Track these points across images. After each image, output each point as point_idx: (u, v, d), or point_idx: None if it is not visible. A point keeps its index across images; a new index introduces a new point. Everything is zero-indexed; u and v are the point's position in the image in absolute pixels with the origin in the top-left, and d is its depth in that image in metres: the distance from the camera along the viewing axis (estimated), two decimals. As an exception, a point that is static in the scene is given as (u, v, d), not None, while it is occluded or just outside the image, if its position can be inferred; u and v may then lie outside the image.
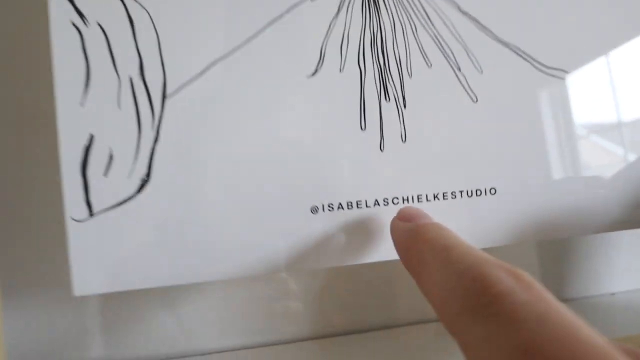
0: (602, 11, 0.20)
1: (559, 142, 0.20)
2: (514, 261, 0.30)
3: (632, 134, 0.21)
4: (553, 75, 0.20)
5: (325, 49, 0.18)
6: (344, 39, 0.18)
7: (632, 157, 0.21)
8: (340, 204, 0.18)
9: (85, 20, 0.17)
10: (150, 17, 0.17)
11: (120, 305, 0.23)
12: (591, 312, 0.31)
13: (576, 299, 0.32)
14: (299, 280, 0.25)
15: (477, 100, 0.19)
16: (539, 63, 0.19)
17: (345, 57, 0.18)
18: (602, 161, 0.21)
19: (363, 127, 0.18)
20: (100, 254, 0.17)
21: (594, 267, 0.33)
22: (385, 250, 0.18)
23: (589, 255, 0.32)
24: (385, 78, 0.18)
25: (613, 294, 0.33)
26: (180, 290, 0.24)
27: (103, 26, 0.17)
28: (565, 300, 0.32)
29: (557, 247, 0.31)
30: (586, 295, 0.33)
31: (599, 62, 0.20)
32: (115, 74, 0.17)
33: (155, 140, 0.17)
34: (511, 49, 0.19)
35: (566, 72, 0.20)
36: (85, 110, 0.17)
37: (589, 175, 0.21)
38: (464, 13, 0.19)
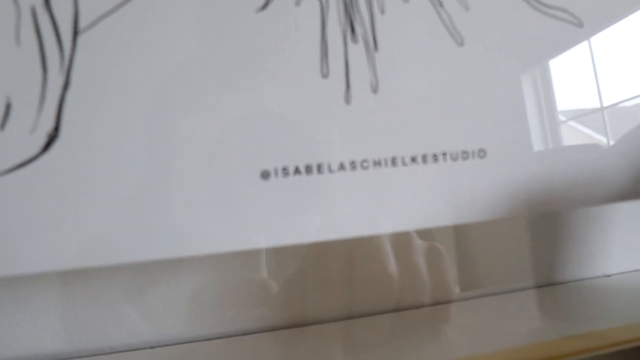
0: None
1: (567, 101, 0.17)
2: (505, 242, 0.27)
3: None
4: (554, 16, 0.16)
5: (277, -25, 0.14)
6: (301, -36, 0.15)
7: (634, 123, 0.18)
8: (297, 167, 0.15)
9: None
10: None
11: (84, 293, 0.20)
12: (587, 294, 0.29)
13: (571, 281, 0.30)
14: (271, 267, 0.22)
15: (462, 43, 0.16)
16: (538, 1, 0.16)
17: (303, -14, 0.15)
18: (602, 129, 0.18)
19: (325, 73, 0.15)
20: (3, 222, 0.13)
21: (589, 249, 0.30)
22: (350, 226, 0.15)
23: (583, 237, 0.30)
24: (351, 14, 0.15)
25: (609, 275, 0.31)
26: (147, 277, 0.21)
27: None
28: (559, 282, 0.29)
29: (549, 227, 0.28)
30: (581, 277, 0.30)
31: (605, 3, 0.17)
32: (12, 2, 0.13)
33: (65, 86, 0.14)
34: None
35: (569, 12, 0.17)
36: (-27, 48, 0.13)
37: (586, 143, 0.18)
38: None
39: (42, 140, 0.13)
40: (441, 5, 0.15)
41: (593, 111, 0.18)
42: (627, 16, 0.18)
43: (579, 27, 0.17)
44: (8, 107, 0.13)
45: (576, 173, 0.17)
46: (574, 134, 0.18)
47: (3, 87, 0.13)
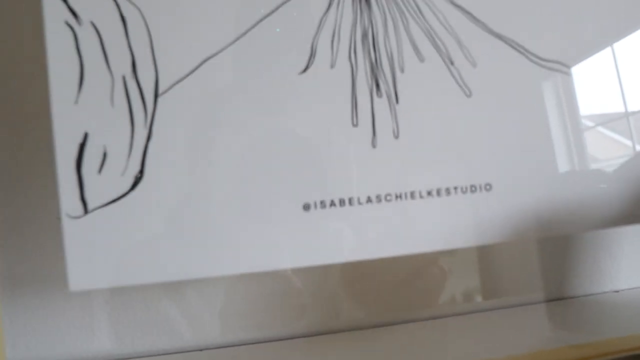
0: (599, 3, 0.19)
1: (556, 137, 0.19)
2: (515, 259, 0.30)
3: (636, 126, 0.21)
4: (550, 68, 0.19)
5: (316, 45, 0.18)
6: (335, 35, 0.18)
7: (632, 151, 0.20)
8: (332, 200, 0.18)
9: (79, 20, 0.17)
10: (143, 16, 0.17)
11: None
12: (595, 309, 0.31)
13: (580, 296, 0.32)
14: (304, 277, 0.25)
15: (470, 95, 0.19)
16: (535, 56, 0.19)
17: (337, 53, 0.18)
18: (603, 155, 0.21)
19: (355, 123, 0.18)
20: (96, 251, 0.17)
21: (598, 265, 0.32)
22: (379, 248, 0.18)
23: (592, 253, 0.32)
24: (376, 73, 0.18)
25: (617, 291, 0.33)
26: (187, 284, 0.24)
27: (96, 25, 0.17)
28: (568, 297, 0.31)
29: (559, 244, 0.30)
30: (590, 292, 0.32)
31: (599, 55, 0.20)
32: (108, 72, 0.17)
33: (148, 137, 0.17)
34: (505, 41, 0.19)
35: (564, 64, 0.19)
36: (80, 109, 0.17)
37: (589, 169, 0.20)
38: (457, 6, 0.19)
39: (130, 180, 0.17)
40: (452, 63, 0.18)
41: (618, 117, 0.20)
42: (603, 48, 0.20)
43: (568, 75, 0.20)
44: (104, 155, 0.17)
45: (580, 199, 0.19)
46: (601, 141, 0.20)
47: (100, 140, 0.17)
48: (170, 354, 0.24)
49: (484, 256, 0.28)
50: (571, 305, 0.30)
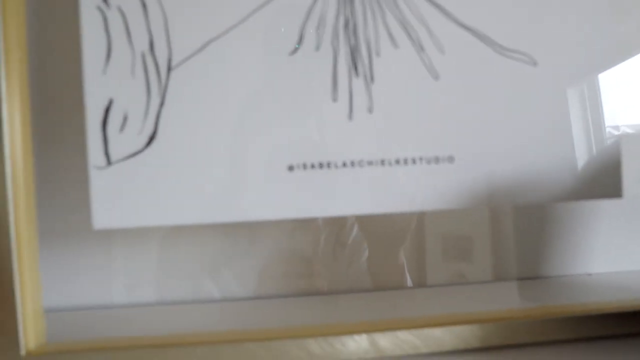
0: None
1: (515, 115, 0.22)
2: (492, 239, 0.32)
3: (588, 102, 0.23)
4: (511, 57, 0.22)
5: (303, 31, 0.21)
6: (320, 23, 0.21)
7: (583, 131, 0.23)
8: (312, 163, 0.21)
9: (108, 5, 0.21)
10: (160, 2, 0.21)
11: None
12: (567, 290, 0.33)
13: (553, 277, 0.34)
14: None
15: (438, 78, 0.21)
16: (498, 45, 0.22)
17: (321, 38, 0.21)
18: (555, 134, 0.23)
19: (335, 98, 0.21)
20: (116, 196, 0.21)
21: (572, 248, 0.34)
22: (348, 206, 0.21)
23: (567, 236, 0.34)
24: (355, 57, 0.21)
25: (590, 274, 0.35)
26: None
27: (122, 9, 0.21)
28: (542, 277, 0.33)
29: (535, 226, 0.33)
30: (563, 274, 0.34)
31: (559, 44, 0.22)
32: (130, 49, 0.21)
33: (161, 104, 0.21)
34: (471, 32, 0.21)
35: (525, 53, 0.22)
36: (106, 79, 0.21)
37: (541, 146, 0.23)
38: (429, 0, 0.21)
39: (145, 139, 0.21)
40: (422, 49, 0.21)
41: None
42: (579, 52, 0.23)
43: (533, 66, 0.22)
44: (125, 118, 0.21)
45: (538, 169, 0.22)
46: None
47: (122, 105, 0.21)
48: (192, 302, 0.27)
49: (464, 237, 0.30)
50: (544, 284, 0.33)
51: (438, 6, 0.21)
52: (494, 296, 0.30)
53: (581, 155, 0.23)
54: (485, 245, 0.31)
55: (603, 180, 0.23)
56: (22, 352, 0.20)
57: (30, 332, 0.21)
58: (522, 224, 0.32)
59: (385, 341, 0.21)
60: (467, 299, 0.28)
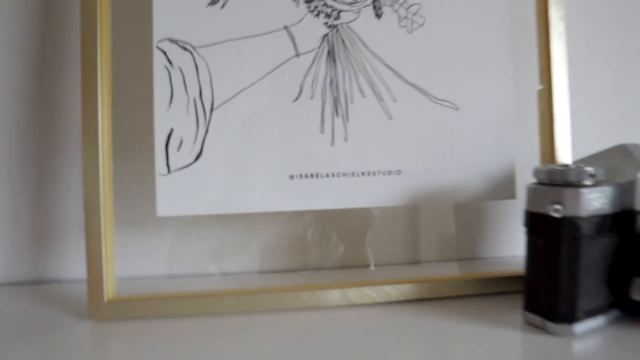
0: (474, 61, 0.33)
1: (443, 144, 0.33)
2: (436, 225, 0.43)
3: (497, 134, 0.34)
4: (441, 104, 0.32)
5: (303, 85, 0.31)
6: (314, 80, 0.31)
7: (489, 157, 0.34)
8: (307, 174, 0.31)
9: (172, 65, 0.31)
10: (207, 64, 0.31)
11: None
12: (492, 267, 0.43)
13: (487, 257, 0.45)
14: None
15: (392, 118, 0.32)
16: (432, 96, 0.32)
17: (314, 90, 0.31)
18: (474, 156, 0.34)
19: (322, 131, 0.31)
20: (174, 193, 0.31)
21: (501, 234, 0.45)
22: (330, 202, 0.32)
23: (497, 224, 0.44)
24: (337, 103, 0.31)
25: (514, 256, 0.46)
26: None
27: (181, 68, 0.31)
28: (477, 258, 0.44)
29: (471, 216, 0.43)
30: (494, 255, 0.45)
31: (474, 95, 0.33)
32: (186, 95, 0.31)
33: (206, 133, 0.31)
34: (414, 87, 0.32)
35: (450, 102, 0.33)
36: (169, 115, 0.31)
37: (462, 163, 0.33)
38: (386, 65, 0.32)
39: (194, 156, 0.31)
40: (382, 99, 0.32)
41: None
42: (489, 100, 0.33)
43: (456, 110, 0.33)
44: (181, 142, 0.31)
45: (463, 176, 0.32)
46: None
47: (179, 133, 0.31)
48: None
49: (416, 227, 0.41)
50: (478, 263, 0.43)
51: (393, 70, 0.32)
52: (439, 271, 0.41)
53: (491, 168, 0.33)
54: (432, 234, 0.42)
55: (506, 185, 0.34)
56: (105, 299, 0.30)
57: (110, 287, 0.31)
58: (462, 217, 0.43)
59: (353, 294, 0.31)
60: (414, 272, 0.39)
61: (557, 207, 0.25)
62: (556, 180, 0.26)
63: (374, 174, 0.32)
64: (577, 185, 0.25)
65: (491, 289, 0.33)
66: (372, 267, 0.38)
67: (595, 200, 0.25)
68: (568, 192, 0.25)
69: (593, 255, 0.26)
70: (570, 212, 0.25)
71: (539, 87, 0.36)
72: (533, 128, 0.36)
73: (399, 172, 0.32)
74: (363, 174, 0.32)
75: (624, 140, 0.30)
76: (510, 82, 0.34)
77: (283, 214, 0.37)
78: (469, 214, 0.43)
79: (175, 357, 0.25)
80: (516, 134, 0.34)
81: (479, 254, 0.45)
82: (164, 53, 0.31)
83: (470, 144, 0.33)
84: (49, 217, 0.38)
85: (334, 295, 0.31)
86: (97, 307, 0.30)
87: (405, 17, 0.33)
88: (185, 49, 0.31)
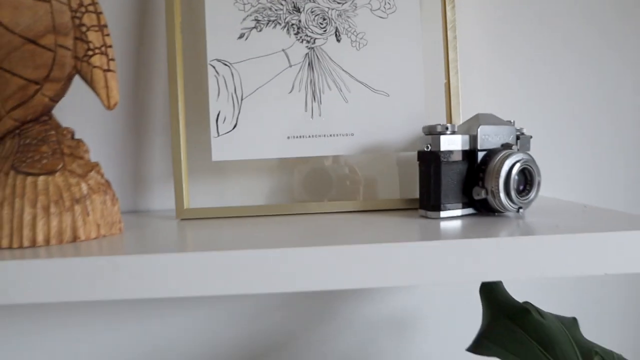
0: (408, 60, 0.54)
1: (380, 117, 0.54)
2: (382, 173, 0.67)
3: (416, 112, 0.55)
4: (378, 93, 0.54)
5: (294, 84, 0.53)
6: (302, 80, 0.53)
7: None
8: (296, 136, 0.54)
9: (218, 73, 0.53)
10: (239, 73, 0.53)
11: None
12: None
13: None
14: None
15: (347, 102, 0.54)
16: (372, 88, 0.54)
17: (300, 86, 0.53)
18: (399, 124, 0.55)
19: (305, 110, 0.53)
20: (221, 147, 0.53)
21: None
22: (313, 152, 0.54)
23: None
24: (315, 94, 0.53)
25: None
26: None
27: (224, 76, 0.53)
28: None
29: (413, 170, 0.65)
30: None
31: (398, 87, 0.55)
32: (226, 91, 0.53)
33: (239, 112, 0.53)
34: (360, 82, 0.54)
35: (385, 92, 0.54)
36: (218, 103, 0.53)
37: (391, 128, 0.55)
38: (344, 70, 0.54)
39: (232, 126, 0.53)
40: (341, 91, 0.54)
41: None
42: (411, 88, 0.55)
43: (387, 96, 0.54)
44: (224, 118, 0.53)
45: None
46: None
47: (223, 113, 0.53)
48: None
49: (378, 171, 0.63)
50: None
51: (347, 73, 0.54)
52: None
53: (409, 131, 0.55)
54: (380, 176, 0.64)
55: (418, 141, 0.55)
56: (185, 207, 0.53)
57: (186, 200, 0.54)
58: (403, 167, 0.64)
59: (330, 207, 0.54)
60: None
61: (428, 146, 0.47)
62: (430, 132, 0.47)
63: (337, 135, 0.54)
64: (438, 133, 0.47)
65: (410, 205, 0.55)
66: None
67: (449, 143, 0.47)
68: (432, 137, 0.47)
69: (450, 173, 0.47)
70: (434, 149, 0.47)
71: (444, 81, 0.57)
72: (441, 105, 0.57)
73: (352, 134, 0.54)
74: (331, 135, 0.54)
75: (497, 113, 0.51)
76: (422, 78, 0.55)
77: (284, 160, 0.60)
78: (403, 165, 0.64)
79: (226, 235, 0.48)
80: (424, 109, 0.56)
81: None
82: (214, 67, 0.53)
83: (398, 118, 0.55)
84: (145, 169, 0.62)
85: (314, 207, 0.54)
86: (180, 211, 0.53)
87: (355, 40, 0.54)
88: (225, 64, 0.53)
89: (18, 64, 0.43)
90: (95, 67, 0.45)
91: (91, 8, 0.45)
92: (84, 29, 0.45)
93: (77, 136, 0.49)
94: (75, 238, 0.43)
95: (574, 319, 0.53)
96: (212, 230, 0.48)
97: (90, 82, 0.46)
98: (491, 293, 0.51)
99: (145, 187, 0.63)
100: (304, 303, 0.65)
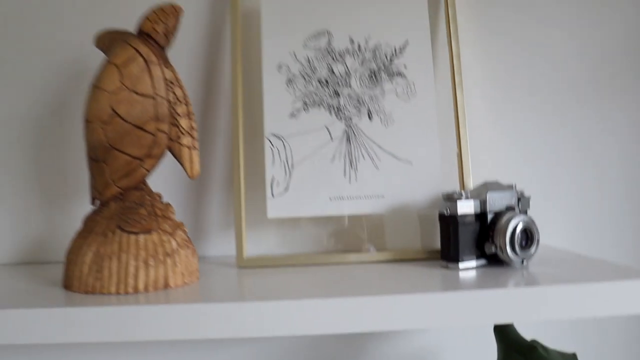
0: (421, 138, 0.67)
1: (408, 181, 0.66)
2: (406, 227, 0.77)
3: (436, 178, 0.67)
4: (402, 161, 0.66)
5: (335, 154, 0.65)
6: (341, 151, 0.65)
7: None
8: (336, 197, 0.65)
9: (273, 145, 0.65)
10: (290, 145, 0.65)
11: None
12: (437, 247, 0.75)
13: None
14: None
15: (378, 168, 0.66)
16: (398, 158, 0.66)
17: (340, 157, 0.65)
18: (421, 189, 0.67)
19: (344, 176, 0.65)
20: (276, 206, 0.65)
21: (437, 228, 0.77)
22: (349, 210, 0.65)
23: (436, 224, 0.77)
24: (351, 163, 0.65)
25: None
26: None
27: (277, 147, 0.65)
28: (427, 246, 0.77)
29: (422, 219, 0.76)
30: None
31: (419, 157, 0.67)
32: (279, 160, 0.65)
33: (290, 178, 0.65)
34: (388, 152, 0.66)
35: (407, 160, 0.66)
36: (273, 169, 0.65)
37: (414, 191, 0.66)
38: (374, 143, 0.66)
39: (284, 189, 0.65)
40: (373, 160, 0.66)
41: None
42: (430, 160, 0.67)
43: (410, 165, 0.66)
44: (278, 182, 0.65)
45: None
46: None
47: (277, 178, 0.65)
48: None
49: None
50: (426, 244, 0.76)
51: (378, 145, 0.66)
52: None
53: (430, 194, 0.66)
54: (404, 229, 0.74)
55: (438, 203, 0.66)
56: (244, 257, 0.64)
57: (245, 251, 0.64)
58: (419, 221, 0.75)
59: (357, 257, 0.64)
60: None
61: (447, 210, 0.58)
62: (448, 198, 0.59)
63: (370, 197, 0.65)
64: (455, 199, 0.58)
65: (430, 255, 0.65)
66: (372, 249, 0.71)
67: (464, 206, 0.58)
68: (450, 203, 0.58)
69: (465, 232, 0.58)
70: (452, 213, 0.58)
71: (457, 150, 0.69)
72: (454, 170, 0.69)
73: (383, 196, 0.66)
74: (365, 197, 0.65)
75: (499, 174, 0.62)
76: (439, 148, 0.67)
77: (327, 217, 0.71)
78: (423, 221, 0.75)
79: (277, 283, 0.58)
80: (440, 174, 0.67)
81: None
82: (270, 140, 0.66)
83: (419, 182, 0.66)
84: (205, 219, 0.73)
85: (352, 258, 0.64)
86: (240, 260, 0.64)
87: (383, 119, 0.67)
88: (279, 138, 0.66)
89: (127, 145, 0.55)
90: (183, 146, 0.57)
91: (183, 100, 0.58)
92: (177, 116, 0.57)
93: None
94: (166, 285, 0.54)
95: (574, 355, 0.62)
96: (266, 278, 0.58)
97: (178, 158, 0.58)
98: (504, 333, 0.61)
99: (205, 235, 0.74)
100: (334, 344, 0.74)
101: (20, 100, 0.74)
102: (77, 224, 0.61)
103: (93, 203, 0.60)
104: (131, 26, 0.61)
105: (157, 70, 0.56)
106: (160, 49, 0.58)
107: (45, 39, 0.74)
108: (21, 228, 0.74)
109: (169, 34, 0.59)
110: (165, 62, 0.58)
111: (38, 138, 0.74)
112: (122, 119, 0.55)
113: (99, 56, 0.61)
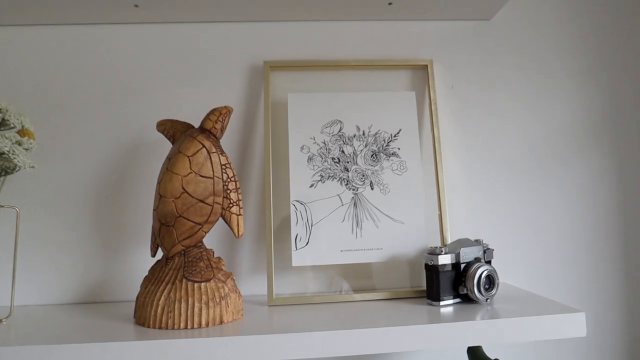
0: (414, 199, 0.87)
1: (401, 237, 0.85)
2: (398, 271, 0.97)
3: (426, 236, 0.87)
4: (396, 221, 0.86)
5: (344, 216, 0.84)
6: (349, 214, 0.85)
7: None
8: (345, 249, 0.84)
9: (297, 209, 0.84)
10: (310, 209, 0.84)
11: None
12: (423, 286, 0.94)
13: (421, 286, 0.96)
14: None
15: (378, 227, 0.85)
16: (393, 219, 0.86)
17: (348, 218, 0.84)
18: (411, 242, 0.86)
19: (352, 233, 0.84)
20: (299, 257, 0.83)
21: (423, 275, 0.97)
22: (356, 259, 0.84)
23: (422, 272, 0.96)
24: (358, 223, 0.84)
25: (440, 284, 0.97)
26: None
27: (300, 211, 0.84)
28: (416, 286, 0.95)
29: (412, 267, 0.95)
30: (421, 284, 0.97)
31: (409, 218, 0.86)
32: (302, 220, 0.84)
33: (310, 234, 0.84)
34: (386, 215, 0.85)
35: (400, 220, 0.86)
36: (296, 228, 0.84)
37: (406, 245, 0.86)
38: (375, 207, 0.85)
39: (305, 242, 0.83)
40: (374, 221, 0.85)
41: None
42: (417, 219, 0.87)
43: (402, 224, 0.86)
44: (300, 238, 0.83)
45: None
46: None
47: (299, 234, 0.83)
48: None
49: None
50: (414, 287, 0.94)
51: (378, 209, 0.85)
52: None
53: (418, 247, 0.86)
54: (396, 273, 0.93)
55: (424, 255, 0.86)
56: (274, 296, 0.81)
57: (273, 292, 0.82)
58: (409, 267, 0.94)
59: (360, 296, 0.83)
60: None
61: (431, 261, 0.77)
62: (432, 252, 0.78)
63: (371, 249, 0.84)
64: (436, 253, 0.77)
65: (417, 294, 0.84)
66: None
67: (443, 259, 0.77)
68: (432, 256, 0.77)
69: (445, 278, 0.77)
70: (435, 263, 0.77)
71: (438, 212, 0.89)
72: (435, 227, 0.89)
73: (381, 249, 0.85)
74: (368, 249, 0.84)
75: (472, 229, 0.82)
76: (423, 211, 0.87)
77: (339, 265, 0.89)
78: (412, 266, 0.94)
79: (302, 317, 0.76)
80: (425, 231, 0.87)
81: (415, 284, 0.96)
82: (294, 205, 0.84)
83: (409, 237, 0.86)
84: (242, 266, 0.90)
85: (357, 297, 0.82)
86: (271, 299, 0.81)
87: (382, 189, 0.87)
88: (301, 203, 0.85)
89: (191, 214, 0.73)
90: (233, 214, 0.76)
91: (233, 179, 0.77)
92: (228, 191, 0.76)
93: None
94: (221, 322, 0.71)
95: (529, 373, 0.81)
96: (291, 314, 0.76)
97: (229, 222, 0.76)
98: (474, 353, 0.80)
99: (241, 278, 0.91)
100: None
101: (87, 167, 0.92)
102: (129, 270, 0.78)
103: (154, 255, 0.77)
104: (174, 113, 0.80)
105: (215, 158, 0.75)
106: (217, 140, 0.78)
107: (112, 118, 0.92)
108: (82, 273, 0.90)
109: (224, 129, 0.78)
110: (221, 151, 0.77)
111: (99, 198, 0.92)
112: (190, 195, 0.73)
113: (156, 136, 0.79)
